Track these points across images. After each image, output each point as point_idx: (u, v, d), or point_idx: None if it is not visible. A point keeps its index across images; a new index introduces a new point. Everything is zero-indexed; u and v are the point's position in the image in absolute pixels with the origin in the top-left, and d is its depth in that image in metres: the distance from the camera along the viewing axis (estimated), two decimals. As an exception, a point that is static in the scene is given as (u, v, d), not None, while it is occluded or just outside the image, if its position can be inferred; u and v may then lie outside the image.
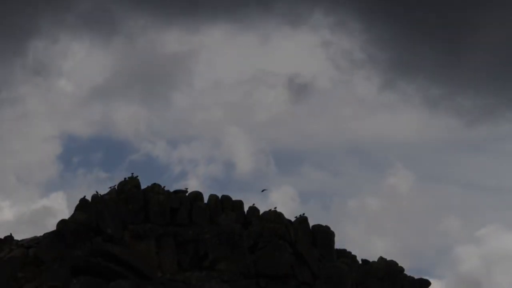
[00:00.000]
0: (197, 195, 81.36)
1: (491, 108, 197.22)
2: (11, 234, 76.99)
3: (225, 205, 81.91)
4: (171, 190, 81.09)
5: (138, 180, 78.96)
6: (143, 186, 79.06)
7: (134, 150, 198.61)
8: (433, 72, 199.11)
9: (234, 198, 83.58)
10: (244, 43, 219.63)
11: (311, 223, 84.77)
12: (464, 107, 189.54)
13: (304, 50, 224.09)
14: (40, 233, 76.49)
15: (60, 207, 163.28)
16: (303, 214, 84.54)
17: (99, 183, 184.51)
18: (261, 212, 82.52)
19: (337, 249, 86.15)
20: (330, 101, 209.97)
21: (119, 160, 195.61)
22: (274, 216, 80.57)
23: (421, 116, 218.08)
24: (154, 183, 79.75)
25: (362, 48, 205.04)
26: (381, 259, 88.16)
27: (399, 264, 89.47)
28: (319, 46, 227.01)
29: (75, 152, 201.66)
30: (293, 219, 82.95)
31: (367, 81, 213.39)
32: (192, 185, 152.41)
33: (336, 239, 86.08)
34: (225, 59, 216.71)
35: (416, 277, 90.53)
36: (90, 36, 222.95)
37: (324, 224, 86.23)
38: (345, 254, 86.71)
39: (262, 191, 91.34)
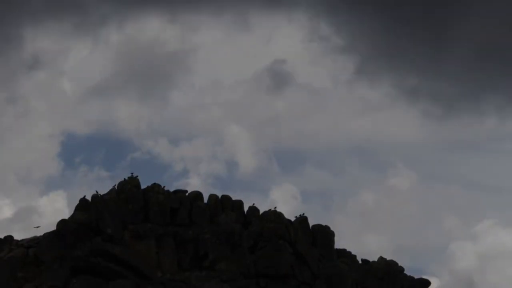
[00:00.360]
0: (197, 195, 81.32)
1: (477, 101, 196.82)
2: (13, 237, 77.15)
3: (225, 205, 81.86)
4: (173, 188, 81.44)
5: (138, 180, 78.98)
6: (144, 185, 79.18)
7: (135, 149, 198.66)
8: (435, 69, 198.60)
9: (236, 197, 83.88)
10: (241, 40, 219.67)
11: (312, 222, 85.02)
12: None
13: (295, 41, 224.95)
14: (39, 232, 76.77)
15: (60, 207, 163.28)
16: (303, 214, 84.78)
17: (100, 182, 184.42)
18: (261, 212, 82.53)
19: (337, 249, 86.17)
20: (331, 100, 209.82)
21: (120, 158, 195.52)
22: (274, 216, 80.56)
23: (417, 115, 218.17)
24: (154, 183, 79.79)
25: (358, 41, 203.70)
26: (381, 259, 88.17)
27: (400, 264, 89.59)
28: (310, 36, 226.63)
29: (75, 151, 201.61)
30: (293, 219, 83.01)
31: (369, 81, 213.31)
32: (193, 184, 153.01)
33: (336, 238, 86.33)
34: (223, 57, 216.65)
35: (416, 277, 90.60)
36: (91, 34, 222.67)
37: (324, 223, 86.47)
38: (345, 254, 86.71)
39: None
